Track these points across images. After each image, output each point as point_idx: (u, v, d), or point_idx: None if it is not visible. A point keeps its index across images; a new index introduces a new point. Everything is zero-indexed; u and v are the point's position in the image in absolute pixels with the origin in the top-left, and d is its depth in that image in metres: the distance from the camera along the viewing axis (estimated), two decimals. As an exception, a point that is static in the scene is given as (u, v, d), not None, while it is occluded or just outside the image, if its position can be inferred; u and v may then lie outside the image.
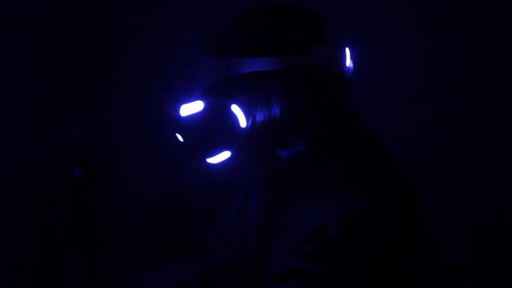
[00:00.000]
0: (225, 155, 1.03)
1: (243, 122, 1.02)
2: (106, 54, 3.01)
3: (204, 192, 2.97)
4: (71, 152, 2.24)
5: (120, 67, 3.00)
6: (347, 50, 1.06)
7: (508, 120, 2.55)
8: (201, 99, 1.02)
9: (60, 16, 2.94)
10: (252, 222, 1.16)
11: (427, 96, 2.61)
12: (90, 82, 3.02)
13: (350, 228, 0.93)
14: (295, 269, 0.94)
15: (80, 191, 2.26)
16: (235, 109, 1.01)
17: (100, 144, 2.66)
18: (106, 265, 2.55)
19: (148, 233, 2.96)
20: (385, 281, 0.94)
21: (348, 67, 1.05)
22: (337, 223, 0.94)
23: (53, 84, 2.93)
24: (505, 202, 2.51)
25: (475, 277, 2.43)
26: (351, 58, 1.07)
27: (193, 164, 1.12)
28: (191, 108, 1.02)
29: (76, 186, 2.26)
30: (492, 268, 2.41)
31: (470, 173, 2.57)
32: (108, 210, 2.73)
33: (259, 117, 1.01)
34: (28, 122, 2.81)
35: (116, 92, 3.02)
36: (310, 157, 1.04)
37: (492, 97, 2.56)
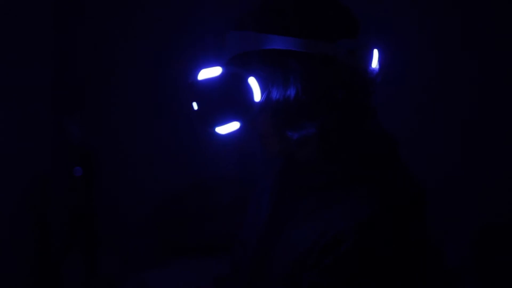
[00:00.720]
0: (234, 126, 1.04)
1: (257, 96, 1.02)
2: (106, 53, 3.01)
3: (204, 191, 2.97)
4: (71, 151, 2.24)
5: (120, 66, 3.00)
6: (376, 52, 1.06)
7: (508, 120, 2.55)
8: (220, 66, 1.03)
9: (60, 15, 2.94)
10: (261, 219, 1.16)
11: (427, 96, 2.61)
12: (89, 81, 3.02)
13: (364, 236, 0.94)
14: (316, 284, 0.95)
15: (80, 191, 2.26)
16: (252, 81, 1.01)
17: (100, 144, 2.66)
18: (106, 265, 2.55)
19: (148, 233, 2.96)
20: (400, 283, 0.95)
21: (373, 68, 1.05)
22: (352, 231, 0.95)
23: (52, 83, 2.93)
24: (505, 202, 2.51)
25: (475, 277, 2.43)
26: (379, 60, 1.06)
27: (201, 133, 1.11)
28: (209, 73, 1.03)
29: (76, 185, 2.26)
30: (492, 268, 2.41)
31: (470, 173, 2.57)
32: (108, 209, 2.73)
33: (274, 94, 1.01)
34: (27, 121, 2.80)
35: (116, 92, 3.02)
36: (319, 143, 1.04)
37: (492, 98, 2.56)
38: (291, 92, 1.00)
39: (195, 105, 1.05)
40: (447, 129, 2.64)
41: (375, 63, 1.06)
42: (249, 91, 1.01)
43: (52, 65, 2.93)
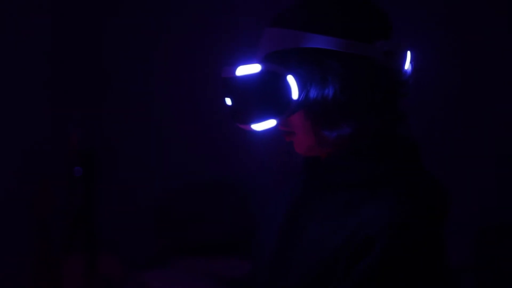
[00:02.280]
0: (270, 123, 1.04)
1: (295, 94, 1.02)
2: (106, 52, 3.01)
3: (205, 191, 2.97)
4: (71, 152, 2.24)
5: (120, 65, 3.00)
6: (409, 53, 1.07)
7: (508, 120, 2.55)
8: (259, 63, 1.03)
9: (60, 14, 2.94)
10: (281, 216, 1.16)
11: (427, 96, 2.61)
12: (90, 81, 3.02)
13: (397, 239, 0.95)
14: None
15: (80, 191, 2.26)
16: (290, 79, 1.01)
17: (100, 144, 2.66)
18: (106, 265, 2.55)
19: (148, 233, 2.96)
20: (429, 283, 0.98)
21: (406, 69, 1.06)
22: (384, 234, 0.95)
23: (52, 83, 2.93)
24: (505, 202, 2.51)
25: (475, 277, 2.43)
26: (411, 62, 1.07)
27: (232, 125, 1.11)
28: (247, 69, 1.03)
29: (76, 186, 2.26)
30: (492, 268, 2.41)
31: (470, 173, 2.57)
32: (108, 210, 2.73)
33: (313, 93, 1.02)
34: (27, 121, 2.80)
35: (116, 91, 3.02)
36: (352, 143, 1.05)
37: (492, 98, 2.56)
38: (329, 91, 1.01)
39: (228, 101, 1.06)
40: (446, 128, 2.64)
41: (407, 65, 1.06)
42: (287, 89, 1.01)
43: (51, 64, 2.93)
